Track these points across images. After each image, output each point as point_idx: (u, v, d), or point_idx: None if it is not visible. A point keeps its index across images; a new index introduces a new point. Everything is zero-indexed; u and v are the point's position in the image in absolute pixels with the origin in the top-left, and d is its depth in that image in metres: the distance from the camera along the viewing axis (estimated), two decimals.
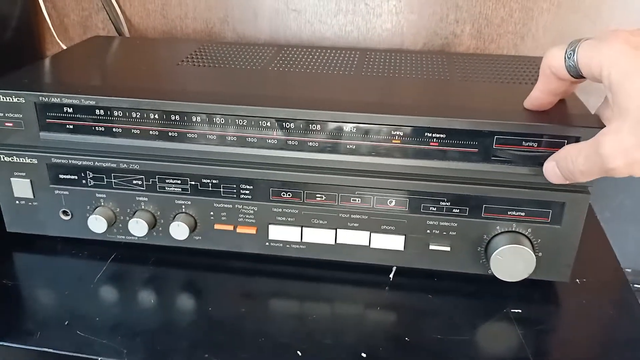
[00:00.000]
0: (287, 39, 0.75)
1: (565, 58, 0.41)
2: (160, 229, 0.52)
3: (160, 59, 0.61)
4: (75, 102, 0.47)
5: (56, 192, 0.51)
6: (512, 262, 0.46)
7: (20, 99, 0.47)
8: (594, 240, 0.56)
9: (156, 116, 0.47)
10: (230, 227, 0.51)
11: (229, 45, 0.65)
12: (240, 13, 0.75)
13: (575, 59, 0.40)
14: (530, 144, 0.44)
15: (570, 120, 0.44)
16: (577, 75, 0.40)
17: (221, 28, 0.76)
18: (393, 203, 0.48)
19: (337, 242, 0.50)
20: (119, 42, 0.68)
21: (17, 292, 0.48)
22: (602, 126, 0.40)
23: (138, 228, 0.50)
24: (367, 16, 0.73)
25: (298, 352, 0.43)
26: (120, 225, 0.52)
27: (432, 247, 0.48)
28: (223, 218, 0.51)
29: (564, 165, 0.41)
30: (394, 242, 0.49)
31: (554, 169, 0.42)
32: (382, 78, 0.55)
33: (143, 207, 0.51)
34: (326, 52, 0.63)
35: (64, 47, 0.78)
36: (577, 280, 0.51)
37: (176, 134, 0.48)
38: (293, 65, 0.58)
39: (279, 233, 0.50)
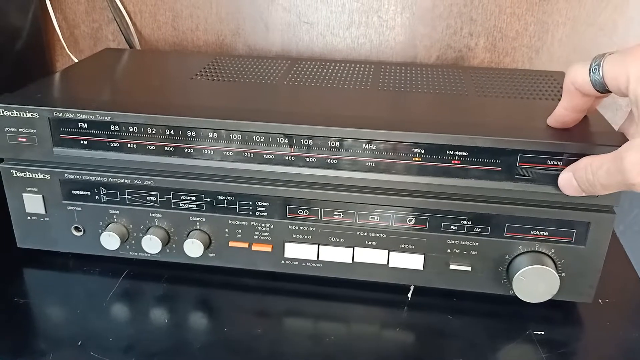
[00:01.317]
0: (299, 52, 0.75)
1: (590, 73, 0.40)
2: (174, 245, 0.51)
3: (173, 73, 0.60)
4: (90, 117, 0.46)
5: (69, 207, 0.50)
6: (536, 283, 0.45)
7: (34, 114, 0.47)
8: (614, 258, 0.55)
9: (172, 132, 0.46)
10: (246, 245, 0.50)
11: (241, 58, 0.64)
12: (252, 25, 0.74)
13: (600, 74, 0.39)
14: (555, 162, 0.43)
15: (596, 139, 0.43)
16: (603, 90, 0.40)
17: (232, 40, 0.76)
18: (413, 221, 0.47)
19: (355, 260, 0.49)
20: (131, 55, 0.68)
21: (28, 310, 0.47)
22: None
23: (152, 245, 0.49)
24: (380, 29, 0.72)
25: None
26: (133, 241, 0.51)
27: (452, 266, 0.47)
28: (238, 235, 0.50)
29: (583, 176, 0.40)
30: (413, 261, 0.48)
31: (570, 181, 0.42)
32: (399, 93, 0.55)
33: (157, 223, 0.50)
34: (340, 66, 0.62)
35: (74, 59, 0.77)
36: (600, 300, 0.49)
37: (192, 150, 0.47)
38: (308, 79, 0.58)
39: (295, 251, 0.49)
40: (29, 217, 0.51)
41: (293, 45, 0.75)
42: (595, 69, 0.39)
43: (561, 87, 0.56)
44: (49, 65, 0.79)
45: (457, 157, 0.44)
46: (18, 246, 0.53)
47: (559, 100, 0.52)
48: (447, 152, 0.44)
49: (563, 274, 0.46)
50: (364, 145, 0.45)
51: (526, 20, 0.69)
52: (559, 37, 0.69)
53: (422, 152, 0.44)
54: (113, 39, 0.78)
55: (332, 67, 0.62)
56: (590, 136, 0.44)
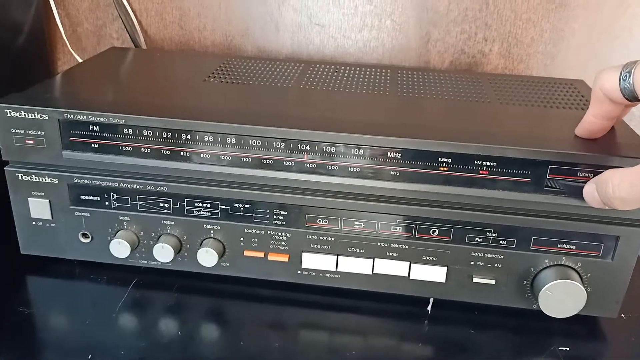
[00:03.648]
0: (309, 54, 0.73)
1: (620, 80, 0.39)
2: (186, 254, 0.49)
3: (185, 75, 0.58)
4: (103, 120, 0.44)
5: (76, 213, 0.48)
6: (563, 298, 0.44)
7: (44, 115, 0.45)
8: (634, 271, 0.54)
9: (188, 137, 0.45)
10: (261, 254, 0.48)
11: (253, 60, 0.62)
12: (262, 26, 0.73)
13: (631, 81, 0.38)
14: (586, 174, 0.42)
15: (629, 151, 0.42)
16: (632, 98, 0.39)
17: (241, 41, 0.74)
18: (436, 233, 0.45)
19: (375, 272, 0.47)
20: (139, 55, 0.66)
21: (34, 321, 0.45)
22: None
23: (164, 254, 0.48)
24: (393, 32, 0.71)
25: None
26: (144, 249, 0.49)
27: (475, 279, 0.46)
28: (254, 244, 0.48)
29: (603, 189, 0.39)
30: (436, 273, 0.46)
31: (593, 193, 0.40)
32: (420, 99, 0.53)
33: (169, 231, 0.48)
34: (355, 70, 0.61)
35: (77, 57, 0.75)
36: (623, 315, 0.48)
37: (208, 156, 0.45)
38: (324, 83, 0.56)
39: (312, 261, 0.48)
40: (34, 223, 0.49)
41: (303, 47, 0.73)
42: (626, 76, 0.38)
43: (582, 96, 0.55)
44: (51, 63, 0.77)
45: (485, 168, 0.43)
46: (22, 253, 0.51)
47: (582, 109, 0.51)
48: (475, 162, 0.43)
49: (589, 289, 0.45)
50: (388, 153, 0.43)
51: (542, 27, 0.68)
52: (574, 45, 0.68)
53: (449, 161, 0.43)
54: (117, 37, 0.76)
55: (347, 71, 0.60)
56: (623, 148, 0.42)
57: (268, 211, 0.47)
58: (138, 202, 0.47)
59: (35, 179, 0.47)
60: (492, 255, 0.45)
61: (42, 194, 0.48)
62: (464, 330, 0.47)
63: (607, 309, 0.46)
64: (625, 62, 0.39)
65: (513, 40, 0.69)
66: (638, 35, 0.67)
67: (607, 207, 0.40)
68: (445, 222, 0.45)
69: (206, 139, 0.44)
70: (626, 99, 0.39)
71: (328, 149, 0.44)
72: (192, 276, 0.50)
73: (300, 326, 0.47)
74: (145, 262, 0.50)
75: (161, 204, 0.47)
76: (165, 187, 0.47)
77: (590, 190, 0.41)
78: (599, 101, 0.41)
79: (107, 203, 0.48)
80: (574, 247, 0.44)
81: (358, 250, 0.47)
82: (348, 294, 0.49)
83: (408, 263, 0.47)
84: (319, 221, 0.46)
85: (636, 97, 0.38)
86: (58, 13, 0.73)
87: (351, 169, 0.44)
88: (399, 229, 0.46)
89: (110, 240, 0.48)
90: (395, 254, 0.47)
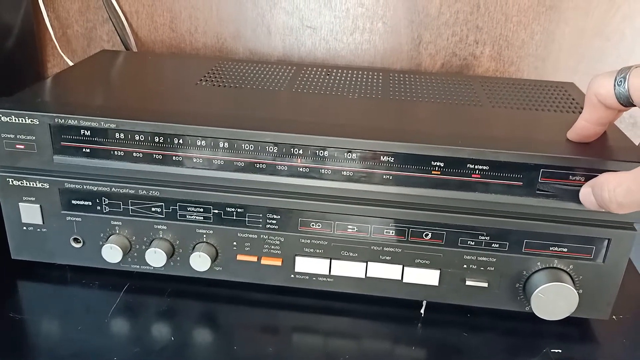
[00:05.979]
0: (301, 56, 0.73)
1: (614, 85, 0.39)
2: (179, 258, 0.49)
3: (177, 78, 0.58)
4: (94, 124, 0.44)
5: (68, 218, 0.48)
6: (555, 300, 0.44)
7: (34, 120, 0.44)
8: (625, 273, 0.54)
9: (180, 141, 0.44)
10: (254, 258, 0.48)
11: (246, 63, 0.62)
12: (253, 29, 0.72)
13: (626, 87, 0.38)
14: (577, 178, 0.42)
15: (620, 154, 0.42)
16: (627, 103, 0.39)
17: (232, 43, 0.74)
18: (429, 236, 0.46)
19: (368, 275, 0.47)
20: (130, 57, 0.65)
21: (25, 327, 0.45)
22: None
23: (156, 258, 0.47)
24: (385, 35, 0.71)
25: None
26: (136, 254, 0.49)
27: (468, 282, 0.46)
28: (247, 248, 0.48)
29: (599, 193, 0.39)
30: (429, 276, 0.47)
31: (589, 196, 0.41)
32: (412, 102, 0.53)
33: (161, 235, 0.48)
34: (347, 73, 0.61)
35: (67, 59, 0.75)
36: (614, 316, 0.49)
37: (200, 160, 0.45)
38: (317, 86, 0.56)
39: (306, 265, 0.48)
40: (25, 228, 0.49)
41: (295, 49, 0.73)
42: (621, 81, 0.38)
43: (573, 99, 0.55)
44: (40, 66, 0.76)
45: (477, 171, 0.43)
46: (13, 258, 0.50)
47: (573, 112, 0.52)
48: (468, 165, 0.43)
49: (581, 291, 0.45)
50: (381, 157, 0.43)
51: (532, 29, 0.69)
52: (565, 47, 0.69)
53: (442, 165, 0.43)
54: (108, 39, 0.75)
55: (339, 75, 0.60)
56: (614, 152, 0.43)
57: (261, 215, 0.46)
58: (130, 207, 0.47)
59: (26, 184, 0.47)
60: (484, 258, 0.46)
61: (33, 199, 0.47)
62: (457, 332, 0.47)
63: (599, 311, 0.46)
64: (617, 65, 0.40)
65: (504, 42, 0.70)
66: (629, 37, 0.67)
67: (603, 210, 0.40)
68: (437, 226, 0.45)
69: (198, 143, 0.44)
70: (621, 104, 0.39)
71: (321, 153, 0.44)
72: (185, 281, 0.50)
73: (294, 330, 0.47)
74: (138, 266, 0.49)
75: (153, 209, 0.47)
76: (157, 191, 0.46)
77: (586, 193, 0.41)
78: (593, 107, 0.41)
79: (98, 208, 0.48)
80: (565, 249, 0.45)
81: (351, 254, 0.47)
82: (341, 297, 0.49)
83: (401, 266, 0.47)
84: (312, 225, 0.46)
85: (631, 102, 0.39)
86: (48, 15, 0.72)
87: (344, 173, 0.44)
88: (392, 233, 0.46)
89: (102, 245, 0.48)
90: (388, 258, 0.47)
